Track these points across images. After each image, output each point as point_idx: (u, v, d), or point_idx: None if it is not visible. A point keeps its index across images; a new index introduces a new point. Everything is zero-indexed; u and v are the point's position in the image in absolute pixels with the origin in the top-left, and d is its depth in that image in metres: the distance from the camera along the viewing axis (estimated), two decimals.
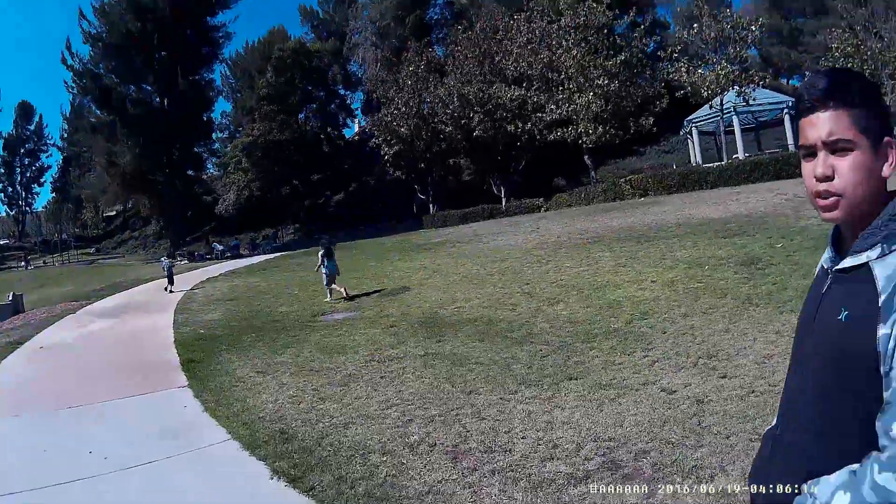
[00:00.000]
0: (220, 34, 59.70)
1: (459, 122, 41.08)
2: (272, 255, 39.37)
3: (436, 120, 42.68)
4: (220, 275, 29.17)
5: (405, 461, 5.52)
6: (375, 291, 16.56)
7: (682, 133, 39.78)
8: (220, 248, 48.26)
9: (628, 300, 10.99)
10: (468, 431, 6.11)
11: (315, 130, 63.25)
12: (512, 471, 5.04)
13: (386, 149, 44.12)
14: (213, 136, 66.70)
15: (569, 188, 40.90)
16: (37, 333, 16.38)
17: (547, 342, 9.26)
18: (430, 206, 45.43)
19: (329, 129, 65.86)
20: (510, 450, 5.50)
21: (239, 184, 57.92)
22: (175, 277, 24.82)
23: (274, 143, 54.17)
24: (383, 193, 55.66)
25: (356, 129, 73.28)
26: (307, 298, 17.20)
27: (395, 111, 43.56)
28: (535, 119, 38.05)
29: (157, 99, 57.60)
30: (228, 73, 73.20)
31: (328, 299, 16.18)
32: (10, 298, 26.15)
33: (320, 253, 16.94)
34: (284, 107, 57.62)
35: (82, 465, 6.46)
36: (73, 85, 58.28)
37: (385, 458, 5.63)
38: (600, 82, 35.30)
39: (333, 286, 16.30)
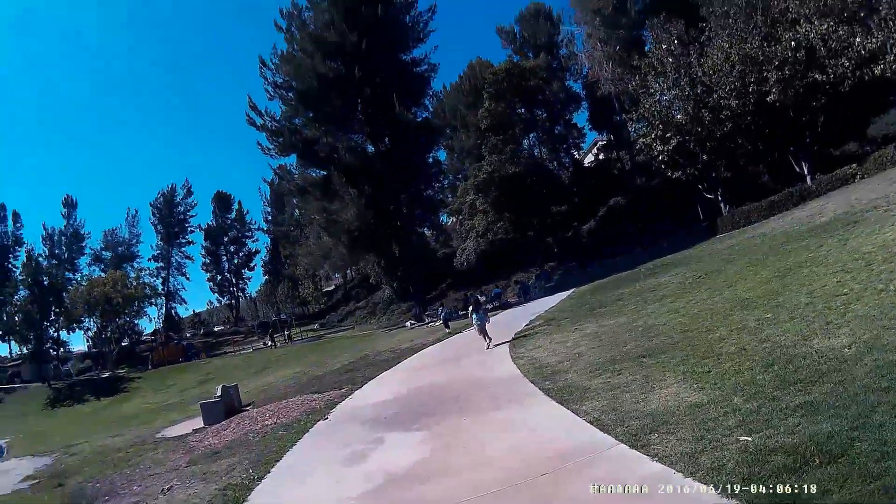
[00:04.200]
0: (425, 66, 56.16)
1: (746, 90, 36.16)
2: (557, 295, 35.75)
3: (714, 96, 37.65)
4: (525, 328, 24.16)
5: None
6: None
7: None
8: (482, 299, 43.94)
9: None
10: None
11: (546, 157, 59.87)
12: None
13: (660, 146, 38.77)
14: (440, 179, 62.42)
15: (861, 149, 38.20)
16: (259, 479, 10.70)
17: None
18: (721, 205, 40.04)
19: (560, 154, 62.34)
20: None
21: (478, 229, 54.66)
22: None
23: (508, 178, 50.97)
24: (641, 209, 50.34)
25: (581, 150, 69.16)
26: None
27: (662, 99, 39.99)
28: (851, 54, 31.87)
29: (371, 146, 55.31)
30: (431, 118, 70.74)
31: (488, 347, 20.67)
32: (219, 394, 22.03)
33: (469, 308, 23.35)
34: (508, 136, 54.99)
35: None
36: (271, 145, 54.29)
37: None
38: None
39: (485, 334, 21.25)
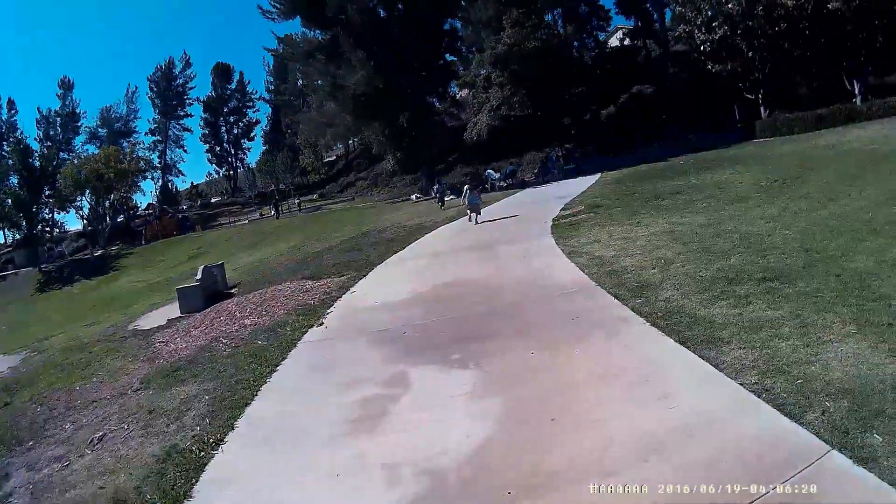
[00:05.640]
0: None
1: None
2: (582, 179, 34.27)
3: None
4: (563, 214, 21.29)
5: None
6: None
7: None
8: (496, 176, 42.68)
9: None
10: None
11: (569, 37, 57.36)
12: None
13: (703, 35, 36.92)
14: (454, 47, 59.14)
15: None
16: (215, 446, 7.16)
17: None
18: (761, 109, 39.31)
19: (583, 35, 59.56)
20: None
21: (492, 102, 53.25)
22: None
23: (528, 53, 48.50)
24: (669, 101, 48.49)
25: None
26: None
27: None
28: None
29: (382, 10, 51.99)
30: None
31: (471, 222, 23.02)
32: (200, 276, 19.32)
33: (465, 188, 25.79)
34: (530, 9, 51.79)
35: None
36: (272, 7, 51.52)
37: None
38: None
39: (475, 214, 23.32)
